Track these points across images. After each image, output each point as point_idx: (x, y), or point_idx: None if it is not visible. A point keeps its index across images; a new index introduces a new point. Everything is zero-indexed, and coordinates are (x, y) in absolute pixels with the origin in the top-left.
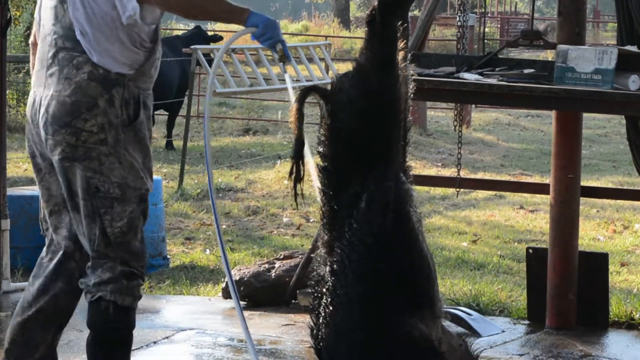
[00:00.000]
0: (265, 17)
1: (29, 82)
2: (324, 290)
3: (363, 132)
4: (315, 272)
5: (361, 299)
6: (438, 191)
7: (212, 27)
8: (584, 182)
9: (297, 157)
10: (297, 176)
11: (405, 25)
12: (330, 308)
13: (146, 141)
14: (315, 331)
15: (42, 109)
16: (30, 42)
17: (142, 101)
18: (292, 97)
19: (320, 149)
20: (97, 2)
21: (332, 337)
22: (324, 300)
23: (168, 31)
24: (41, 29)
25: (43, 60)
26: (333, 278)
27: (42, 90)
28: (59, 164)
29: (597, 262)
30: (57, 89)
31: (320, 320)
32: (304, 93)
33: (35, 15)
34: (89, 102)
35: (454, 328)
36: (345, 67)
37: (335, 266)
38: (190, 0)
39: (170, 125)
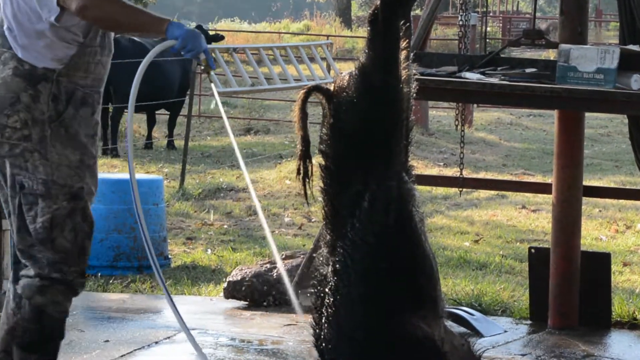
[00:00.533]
0: (185, 29)
1: None
2: (326, 289)
3: (365, 131)
4: (317, 272)
5: (363, 299)
6: (440, 191)
7: (214, 26)
8: (586, 182)
9: (305, 156)
10: (305, 175)
11: (407, 24)
12: (332, 308)
13: (81, 138)
14: (317, 331)
15: None
16: None
17: (79, 97)
18: (219, 105)
19: (322, 148)
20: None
21: (334, 337)
22: (326, 300)
23: None
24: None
25: None
26: (335, 278)
27: None
28: None
29: (600, 262)
30: None
31: (322, 320)
32: (307, 92)
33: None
34: (11, 97)
35: (456, 328)
36: (347, 66)
37: (337, 266)
38: (106, 13)
39: (171, 124)
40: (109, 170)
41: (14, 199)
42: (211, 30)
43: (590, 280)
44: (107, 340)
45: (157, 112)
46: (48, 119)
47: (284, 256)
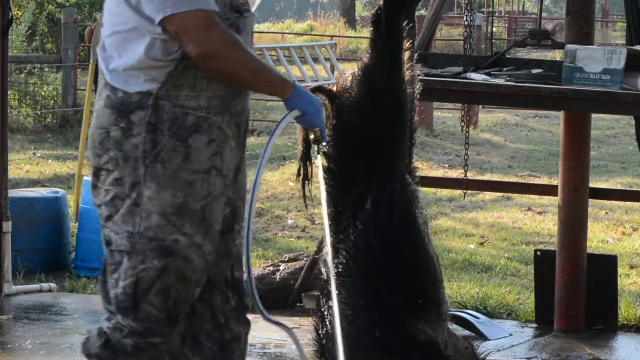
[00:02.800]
0: (308, 99)
1: (31, 83)
2: (329, 292)
3: (369, 132)
4: (320, 275)
5: (366, 301)
6: (445, 192)
7: None
8: (593, 184)
9: (305, 158)
10: (305, 177)
11: (412, 24)
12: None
13: (184, 175)
14: (319, 333)
15: None
16: None
17: (188, 124)
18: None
19: (326, 150)
20: (118, 3)
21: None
22: (329, 303)
23: None
24: None
25: None
26: (337, 280)
27: None
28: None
29: (606, 265)
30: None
31: (325, 323)
32: (312, 91)
33: None
34: (101, 133)
35: (460, 331)
36: (351, 67)
37: (340, 268)
38: (230, 66)
39: None
40: None
41: (105, 255)
42: None
43: (596, 283)
44: None
45: None
46: (142, 155)
47: (287, 259)
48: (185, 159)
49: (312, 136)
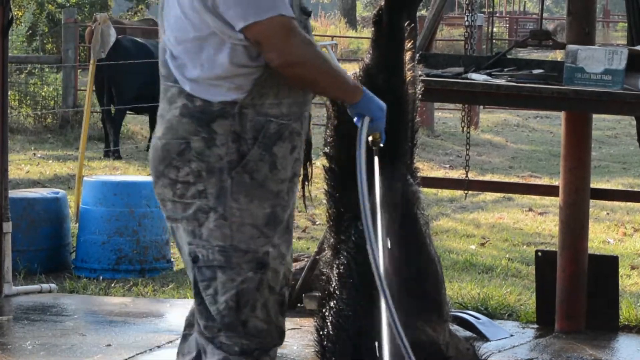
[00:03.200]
0: (376, 104)
1: (31, 83)
2: (330, 292)
3: None
4: (321, 275)
5: (367, 302)
6: (446, 193)
7: None
8: (594, 184)
9: (305, 159)
10: (305, 177)
11: (413, 25)
12: (336, 311)
13: (272, 185)
14: (320, 334)
15: None
16: None
17: (271, 132)
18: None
19: (327, 150)
20: (194, 10)
21: (338, 340)
22: (330, 303)
23: None
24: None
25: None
26: (338, 281)
27: None
28: (168, 223)
29: (607, 265)
30: (156, 130)
31: (326, 323)
32: None
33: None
34: (180, 144)
35: (462, 332)
36: (352, 67)
37: (341, 269)
38: (309, 72)
39: None
40: (110, 173)
41: (191, 272)
42: None
43: (597, 284)
44: (109, 345)
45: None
46: (227, 166)
47: None
48: (272, 168)
49: (370, 138)
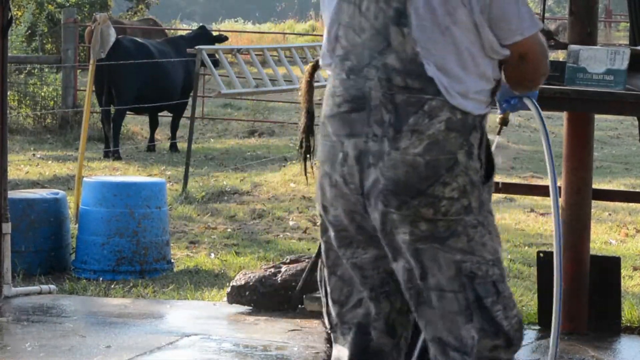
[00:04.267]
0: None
1: (31, 83)
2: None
3: None
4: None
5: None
6: None
7: (217, 27)
8: (596, 185)
9: (308, 131)
10: (307, 150)
11: None
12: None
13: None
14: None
15: (373, 172)
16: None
17: (485, 143)
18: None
19: None
20: (458, 25)
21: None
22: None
23: (172, 31)
24: (342, 52)
25: (356, 99)
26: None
27: (362, 143)
28: (410, 245)
29: (609, 266)
30: (400, 145)
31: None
32: (314, 65)
33: (329, 28)
34: (449, 159)
35: None
36: None
37: None
38: (538, 64)
39: (174, 126)
40: (110, 173)
41: (458, 294)
42: (215, 30)
43: (599, 285)
44: (109, 346)
45: (160, 114)
46: (480, 178)
47: (288, 260)
48: (490, 176)
49: (502, 116)
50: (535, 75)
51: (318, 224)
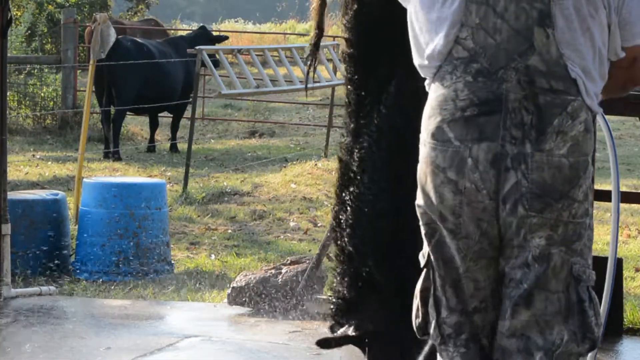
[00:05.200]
0: None
1: (30, 84)
2: (350, 177)
3: (391, 13)
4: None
5: (389, 185)
6: None
7: (218, 27)
8: (598, 186)
9: (316, 47)
10: (312, 64)
11: None
12: (356, 195)
13: None
14: (339, 218)
15: (513, 175)
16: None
17: None
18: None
19: (346, 36)
20: (597, 27)
21: (357, 222)
22: (350, 188)
23: (172, 31)
24: (467, 54)
25: (486, 102)
26: (359, 165)
27: (497, 147)
28: (544, 250)
29: None
30: (545, 147)
31: (346, 207)
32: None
33: (447, 31)
34: (584, 161)
35: None
36: None
37: (362, 152)
38: None
39: (174, 127)
40: (110, 174)
41: (562, 294)
42: (215, 31)
43: (601, 286)
44: (109, 348)
45: (160, 114)
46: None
47: (289, 261)
48: None
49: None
50: (639, 79)
51: (423, 233)
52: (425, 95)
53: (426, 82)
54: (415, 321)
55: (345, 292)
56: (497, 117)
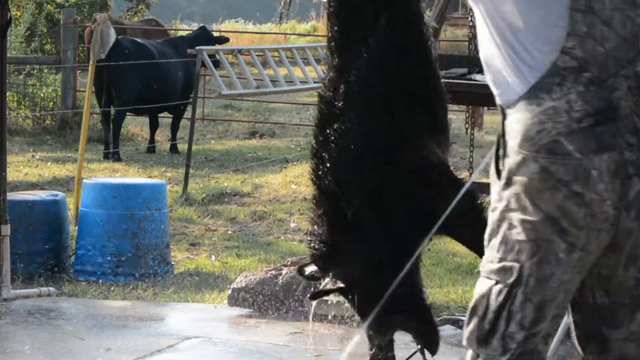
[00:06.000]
0: None
1: (30, 84)
2: (334, 114)
3: None
4: (321, 99)
5: (378, 120)
6: None
7: (218, 27)
8: None
9: None
10: None
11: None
12: (343, 130)
13: None
14: (321, 155)
15: (637, 182)
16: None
17: None
18: None
19: None
20: None
21: (340, 159)
22: (334, 126)
23: (172, 31)
24: (576, 63)
25: (600, 112)
26: (345, 99)
27: (617, 156)
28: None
29: None
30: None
31: (329, 145)
32: None
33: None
34: None
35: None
36: None
37: (349, 86)
38: None
39: (174, 128)
40: (110, 175)
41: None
42: (215, 31)
43: None
44: (109, 349)
45: (160, 115)
46: None
47: (289, 262)
48: None
49: None
50: None
51: (524, 249)
52: (418, 25)
53: (500, 94)
54: (470, 329)
55: (326, 236)
56: (612, 125)
